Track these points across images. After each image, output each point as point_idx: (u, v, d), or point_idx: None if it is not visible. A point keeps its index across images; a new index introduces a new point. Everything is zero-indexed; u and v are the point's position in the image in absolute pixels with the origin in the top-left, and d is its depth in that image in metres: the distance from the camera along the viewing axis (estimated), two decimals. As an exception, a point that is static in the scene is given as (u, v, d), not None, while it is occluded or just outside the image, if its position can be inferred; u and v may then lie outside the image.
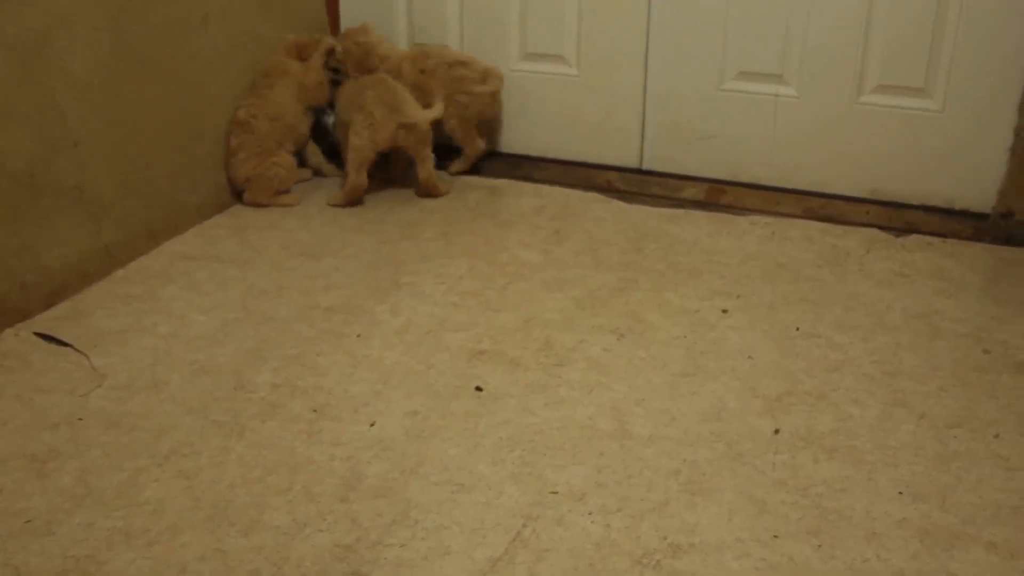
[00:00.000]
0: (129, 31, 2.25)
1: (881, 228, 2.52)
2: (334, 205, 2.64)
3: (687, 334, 2.04)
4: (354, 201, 2.65)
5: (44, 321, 2.06)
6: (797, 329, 2.06)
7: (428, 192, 2.70)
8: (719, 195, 2.72)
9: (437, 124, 2.72)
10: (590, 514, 1.53)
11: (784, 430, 1.73)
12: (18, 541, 1.46)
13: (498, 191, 2.78)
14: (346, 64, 2.72)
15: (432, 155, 2.67)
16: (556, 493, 1.58)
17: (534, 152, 2.92)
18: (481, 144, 2.81)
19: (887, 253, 2.39)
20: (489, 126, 2.89)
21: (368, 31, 2.75)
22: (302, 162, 2.79)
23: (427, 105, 2.70)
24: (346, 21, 2.98)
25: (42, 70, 2.05)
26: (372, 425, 1.74)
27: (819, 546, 1.47)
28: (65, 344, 1.98)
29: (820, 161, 2.63)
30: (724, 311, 2.13)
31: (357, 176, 2.61)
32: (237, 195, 2.65)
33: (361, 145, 2.60)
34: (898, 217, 2.56)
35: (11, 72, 1.98)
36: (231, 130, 2.60)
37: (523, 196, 2.74)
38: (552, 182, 2.82)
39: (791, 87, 2.60)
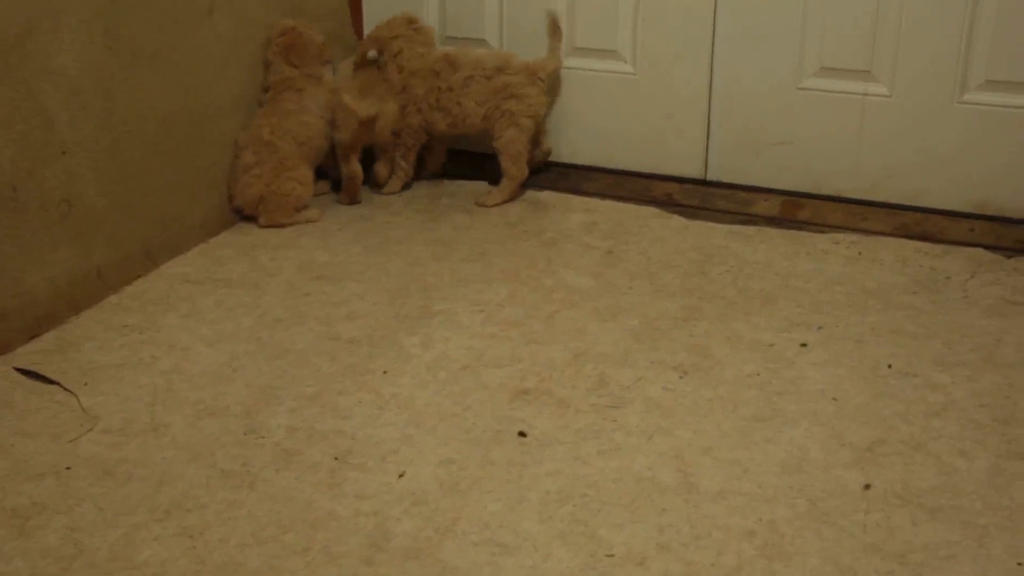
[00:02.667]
0: (123, 23, 2.29)
1: (988, 248, 2.50)
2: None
3: (761, 371, 2.03)
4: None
5: (27, 355, 2.09)
6: (889, 366, 2.04)
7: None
8: (796, 209, 2.71)
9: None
10: (652, 582, 1.53)
11: (876, 485, 1.71)
12: (0, 607, 1.48)
13: (543, 205, 2.79)
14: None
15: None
16: (612, 556, 1.57)
17: (583, 161, 2.93)
18: (525, 170, 2.82)
19: (996, 277, 2.37)
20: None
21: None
22: (320, 174, 2.83)
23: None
24: (370, 10, 3.01)
25: (25, 68, 2.08)
26: (401, 476, 1.75)
27: (921, 622, 1.45)
28: (51, 381, 2.00)
29: (915, 170, 2.62)
30: (803, 345, 2.12)
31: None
32: (242, 216, 2.68)
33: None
34: (1008, 235, 2.53)
35: (-7, 72, 2.02)
36: (248, 146, 2.64)
37: (571, 211, 2.74)
38: (604, 195, 2.83)
39: (881, 84, 2.58)
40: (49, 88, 2.13)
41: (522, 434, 1.85)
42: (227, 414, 1.91)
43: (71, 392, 1.97)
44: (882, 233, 2.59)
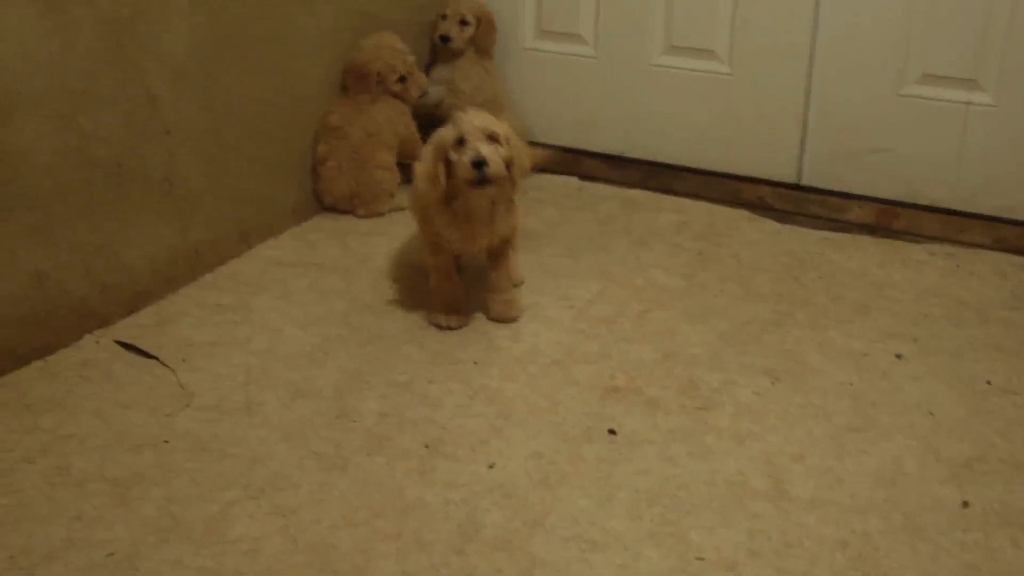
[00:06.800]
0: (229, 7, 2.32)
1: (1090, 265, 2.44)
2: None
3: (854, 381, 2.01)
4: None
5: (126, 328, 2.13)
6: (988, 383, 2.00)
7: None
8: (891, 218, 2.67)
9: None
10: (742, 587, 1.52)
11: (975, 503, 1.68)
12: (99, 575, 1.51)
13: (633, 203, 2.78)
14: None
15: None
16: (703, 560, 1.56)
17: (674, 160, 2.91)
18: None
19: (1099, 296, 2.32)
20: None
21: None
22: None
23: None
24: (467, 3, 3.03)
25: (135, 48, 2.12)
26: (491, 467, 1.75)
27: (1020, 645, 1.42)
28: (150, 356, 2.04)
29: (1018, 182, 2.55)
30: (898, 356, 2.09)
31: None
32: (335, 210, 2.69)
33: None
34: (1113, 252, 2.47)
35: (103, 50, 2.05)
36: (319, 135, 2.65)
37: (662, 210, 2.73)
38: (695, 195, 2.81)
39: (987, 94, 2.53)
40: (156, 69, 2.17)
41: (612, 432, 1.85)
42: (319, 396, 1.93)
43: (169, 367, 2.00)
44: (981, 246, 2.54)
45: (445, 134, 2.03)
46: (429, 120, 2.86)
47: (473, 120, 2.01)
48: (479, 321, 2.19)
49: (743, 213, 2.72)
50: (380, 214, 2.67)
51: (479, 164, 1.97)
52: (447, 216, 2.08)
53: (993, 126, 2.54)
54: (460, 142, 2.00)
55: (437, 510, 1.65)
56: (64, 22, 1.97)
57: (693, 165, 2.89)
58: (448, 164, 2.02)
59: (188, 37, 2.23)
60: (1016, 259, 2.47)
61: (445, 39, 2.88)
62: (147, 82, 2.16)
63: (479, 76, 2.92)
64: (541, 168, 2.96)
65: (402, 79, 2.70)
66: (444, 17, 2.89)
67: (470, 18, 2.89)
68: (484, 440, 1.82)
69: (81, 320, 2.09)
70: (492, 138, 2.01)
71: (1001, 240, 2.54)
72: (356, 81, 2.66)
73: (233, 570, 1.52)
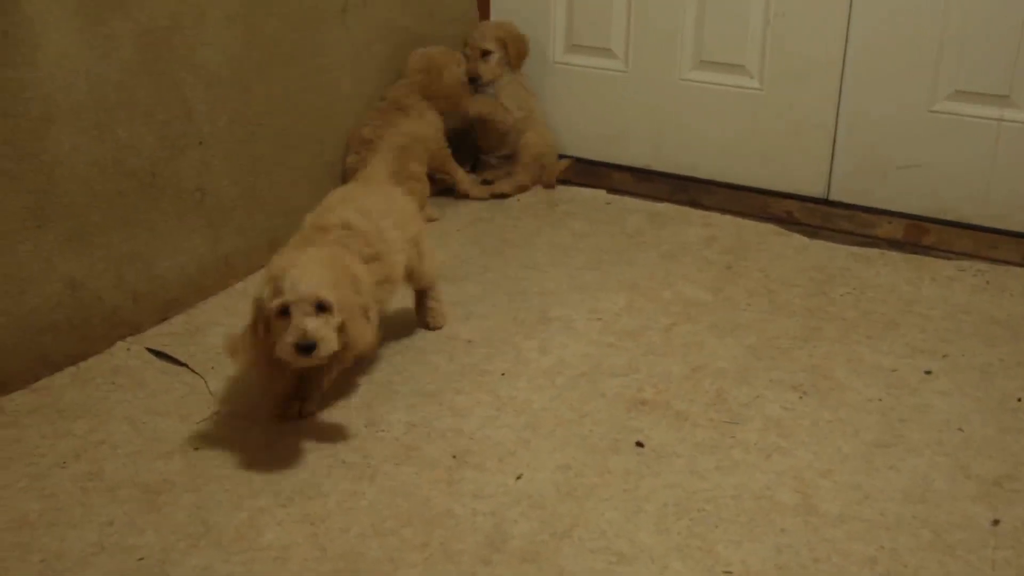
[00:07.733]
0: (263, 19, 2.34)
1: (1123, 283, 2.42)
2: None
3: (883, 396, 2.00)
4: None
5: (157, 336, 2.15)
6: (1019, 400, 1.99)
7: None
8: (921, 234, 2.66)
9: None
10: (770, 602, 1.51)
11: (1005, 521, 1.67)
12: (129, 579, 1.53)
13: (661, 217, 2.77)
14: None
15: None
16: (730, 573, 1.56)
17: (702, 173, 2.91)
18: None
19: None
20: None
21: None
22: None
23: None
24: (498, 14, 3.04)
25: (171, 61, 2.15)
26: (519, 478, 1.75)
27: (1050, 664, 1.41)
28: (180, 363, 2.06)
29: (1050, 199, 2.54)
30: (927, 372, 2.08)
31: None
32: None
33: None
34: None
35: (140, 61, 2.08)
36: (350, 146, 2.67)
37: (689, 224, 2.73)
38: (723, 209, 2.81)
39: (1019, 110, 2.51)
40: (191, 80, 2.19)
41: (639, 444, 1.84)
42: (347, 406, 1.94)
43: (199, 375, 2.02)
44: (1011, 262, 2.52)
45: (266, 297, 1.71)
46: (465, 134, 2.92)
47: (299, 283, 1.67)
48: (507, 333, 2.19)
49: (771, 227, 2.71)
50: None
51: (306, 348, 1.66)
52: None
53: (1025, 143, 2.53)
54: (283, 312, 1.69)
55: (464, 520, 1.65)
56: (103, 35, 1.99)
57: (722, 179, 2.89)
58: (267, 328, 1.72)
59: (223, 49, 2.25)
60: (1047, 276, 2.46)
61: (474, 80, 2.88)
62: (182, 93, 2.18)
63: (518, 93, 2.93)
64: (568, 181, 2.98)
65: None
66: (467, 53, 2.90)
67: (490, 46, 2.88)
68: (512, 451, 1.82)
69: (113, 328, 2.12)
70: (322, 307, 1.68)
71: (1033, 257, 2.53)
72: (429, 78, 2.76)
73: (262, 577, 1.53)
